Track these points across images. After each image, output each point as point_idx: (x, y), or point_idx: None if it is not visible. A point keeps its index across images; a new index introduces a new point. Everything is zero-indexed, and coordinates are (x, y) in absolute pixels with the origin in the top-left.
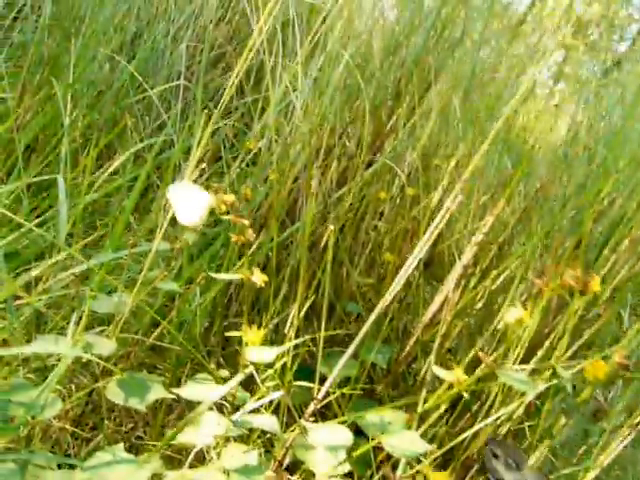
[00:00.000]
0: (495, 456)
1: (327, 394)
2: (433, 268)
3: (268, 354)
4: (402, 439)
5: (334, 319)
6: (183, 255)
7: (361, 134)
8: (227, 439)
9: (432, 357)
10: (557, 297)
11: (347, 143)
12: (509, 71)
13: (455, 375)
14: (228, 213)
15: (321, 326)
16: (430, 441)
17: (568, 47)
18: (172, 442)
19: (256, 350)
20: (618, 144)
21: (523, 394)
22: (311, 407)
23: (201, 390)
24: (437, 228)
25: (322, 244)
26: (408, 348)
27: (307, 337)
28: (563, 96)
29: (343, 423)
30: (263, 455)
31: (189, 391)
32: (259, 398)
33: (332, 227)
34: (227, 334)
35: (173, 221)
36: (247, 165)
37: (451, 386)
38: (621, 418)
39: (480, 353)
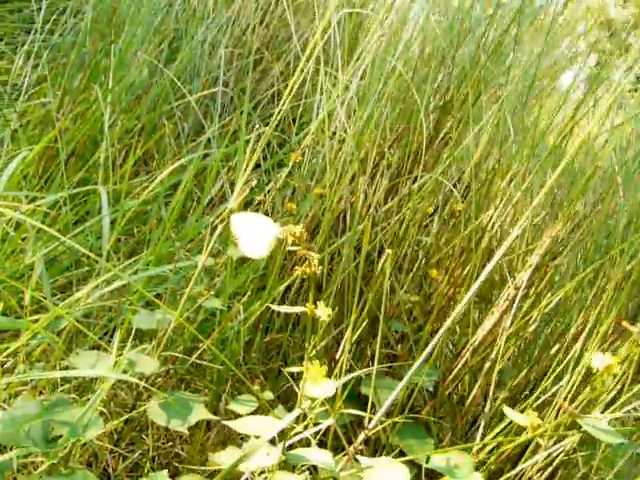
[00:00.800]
0: None
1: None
2: (481, 288)
3: (328, 388)
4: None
5: (377, 337)
6: (227, 270)
7: (410, 146)
8: (275, 467)
9: (487, 380)
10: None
11: (393, 156)
12: (544, 77)
13: (531, 420)
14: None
15: (367, 345)
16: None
17: (602, 51)
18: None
19: (316, 387)
20: None
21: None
22: (361, 436)
23: (256, 424)
24: (498, 259)
25: (371, 262)
26: (456, 371)
27: (361, 370)
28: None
29: (397, 456)
30: None
31: (243, 424)
32: (307, 425)
33: (389, 251)
34: (285, 370)
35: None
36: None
37: (520, 429)
38: None
39: (561, 400)
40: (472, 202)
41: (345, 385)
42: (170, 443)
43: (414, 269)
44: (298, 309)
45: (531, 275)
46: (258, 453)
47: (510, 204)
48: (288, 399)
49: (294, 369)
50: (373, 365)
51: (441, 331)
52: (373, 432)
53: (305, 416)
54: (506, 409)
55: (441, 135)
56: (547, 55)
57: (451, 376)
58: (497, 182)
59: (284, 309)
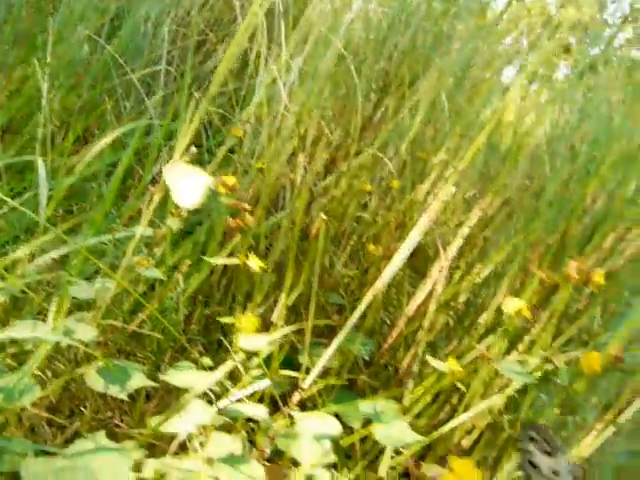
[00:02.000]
0: (531, 440)
1: (311, 384)
2: (416, 261)
3: (260, 341)
4: (392, 429)
5: (316, 309)
6: (166, 242)
7: (349, 124)
8: (211, 428)
9: (420, 349)
10: (540, 291)
11: (333, 134)
12: (485, 69)
13: (449, 365)
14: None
15: (305, 316)
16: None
17: (542, 49)
18: (155, 431)
19: (248, 337)
20: (604, 142)
21: (504, 387)
22: (296, 396)
23: (189, 377)
24: (428, 221)
25: (309, 233)
26: (391, 340)
27: (295, 327)
28: (540, 97)
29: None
30: (246, 445)
31: (177, 378)
32: (244, 387)
33: (324, 216)
34: (219, 319)
35: (156, 208)
36: (230, 152)
37: (440, 377)
38: (594, 413)
39: (478, 346)
40: (408, 179)
41: (281, 348)
42: (109, 414)
43: (352, 244)
44: (232, 260)
45: (463, 248)
46: (194, 410)
47: (442, 179)
48: (232, 373)
49: (226, 319)
50: (310, 334)
51: (369, 294)
52: (308, 395)
53: (241, 379)
54: (429, 358)
55: (379, 114)
56: (489, 48)
57: (386, 345)
58: (431, 159)
59: (219, 260)
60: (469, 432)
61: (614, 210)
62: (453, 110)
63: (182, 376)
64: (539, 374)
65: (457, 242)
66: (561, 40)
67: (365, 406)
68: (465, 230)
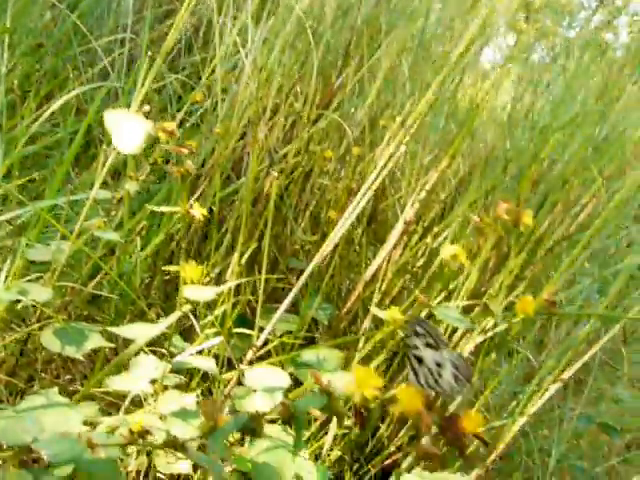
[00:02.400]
0: (416, 334)
1: (267, 344)
2: (376, 228)
3: (207, 292)
4: (337, 377)
5: (276, 274)
6: (124, 206)
7: (309, 91)
8: (165, 387)
9: (372, 306)
10: (495, 257)
11: (295, 101)
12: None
13: (391, 313)
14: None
15: (262, 277)
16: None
17: (519, 30)
18: (108, 389)
19: (195, 288)
20: (559, 110)
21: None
22: (249, 354)
23: (139, 329)
24: (380, 176)
25: (266, 199)
26: (349, 304)
27: (248, 282)
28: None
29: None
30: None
31: (126, 330)
32: (198, 345)
33: (275, 174)
34: (164, 268)
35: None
36: (195, 123)
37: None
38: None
39: (417, 293)
40: (367, 145)
41: (234, 307)
42: (69, 376)
43: (312, 210)
44: (175, 208)
45: (420, 212)
46: (145, 365)
47: (401, 144)
48: (188, 336)
49: (172, 268)
50: (269, 299)
51: (319, 254)
52: (263, 351)
53: (197, 340)
54: (373, 308)
55: (340, 82)
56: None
57: (345, 309)
58: (391, 124)
59: (163, 209)
60: None
61: (565, 175)
62: (417, 79)
63: (133, 328)
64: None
65: (413, 205)
66: (537, 22)
67: (308, 355)
68: (422, 194)
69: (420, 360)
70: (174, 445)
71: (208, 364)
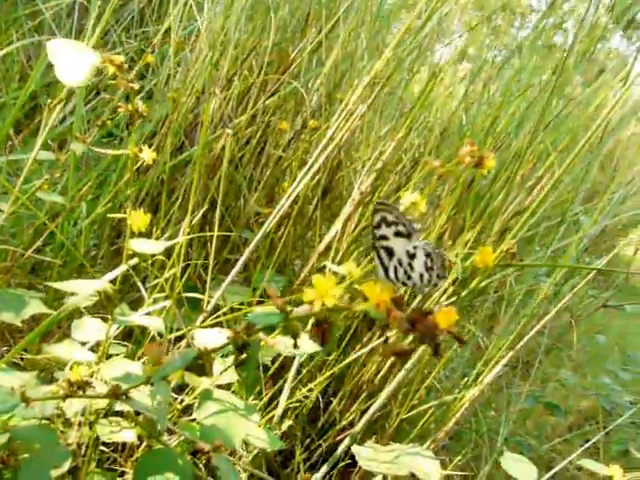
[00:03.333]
0: (386, 223)
1: (217, 310)
2: (330, 203)
3: (156, 246)
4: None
5: (229, 246)
6: (69, 169)
7: (265, 60)
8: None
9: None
10: (450, 230)
11: (251, 71)
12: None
13: (347, 267)
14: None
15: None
16: (320, 368)
17: (472, 29)
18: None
19: (141, 241)
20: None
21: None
22: (200, 319)
23: (81, 283)
24: (334, 139)
25: (219, 166)
26: (303, 276)
27: (199, 254)
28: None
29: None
30: None
31: (67, 285)
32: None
33: (230, 131)
34: (110, 215)
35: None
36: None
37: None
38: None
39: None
40: (324, 118)
41: (184, 271)
42: (5, 348)
43: (267, 182)
44: (123, 151)
45: (377, 183)
46: (88, 328)
47: (358, 116)
48: (137, 306)
49: (117, 215)
50: (220, 272)
51: (268, 223)
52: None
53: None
54: (327, 263)
55: (297, 53)
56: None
57: (298, 281)
58: (347, 96)
59: (109, 152)
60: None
61: (520, 149)
62: (374, 56)
63: (74, 283)
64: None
65: (371, 175)
66: (491, 22)
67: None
68: (379, 164)
69: (390, 252)
70: (116, 394)
71: (156, 323)
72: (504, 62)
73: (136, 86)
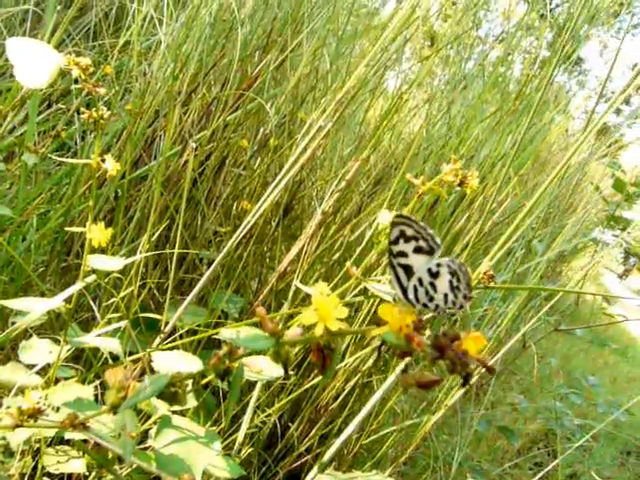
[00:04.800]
0: (404, 238)
1: (174, 332)
2: (290, 222)
3: (115, 262)
4: (257, 360)
5: (186, 265)
6: (19, 181)
7: (227, 76)
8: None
9: (288, 304)
10: None
11: (212, 87)
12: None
13: (319, 287)
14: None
15: (179, 278)
16: (279, 392)
17: (423, 58)
18: None
19: (101, 257)
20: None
21: (373, 349)
22: (157, 340)
23: (32, 302)
24: (299, 160)
25: (177, 182)
26: (262, 297)
27: (155, 272)
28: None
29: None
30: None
31: (18, 303)
32: (100, 329)
33: (194, 145)
34: (68, 229)
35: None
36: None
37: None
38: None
39: (349, 266)
40: (286, 137)
41: (141, 290)
42: None
43: (227, 201)
44: (85, 161)
45: (340, 204)
46: (39, 349)
47: (321, 133)
48: (86, 327)
49: (76, 229)
50: (176, 290)
51: (227, 245)
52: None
53: (99, 324)
54: (297, 283)
55: (260, 71)
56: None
57: (257, 302)
58: (314, 113)
59: (69, 161)
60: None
61: (483, 173)
62: (336, 74)
63: (22, 301)
64: None
65: (333, 195)
66: (440, 52)
67: (228, 333)
68: (342, 184)
69: (408, 270)
70: (73, 424)
71: (111, 344)
72: (458, 88)
73: (102, 91)
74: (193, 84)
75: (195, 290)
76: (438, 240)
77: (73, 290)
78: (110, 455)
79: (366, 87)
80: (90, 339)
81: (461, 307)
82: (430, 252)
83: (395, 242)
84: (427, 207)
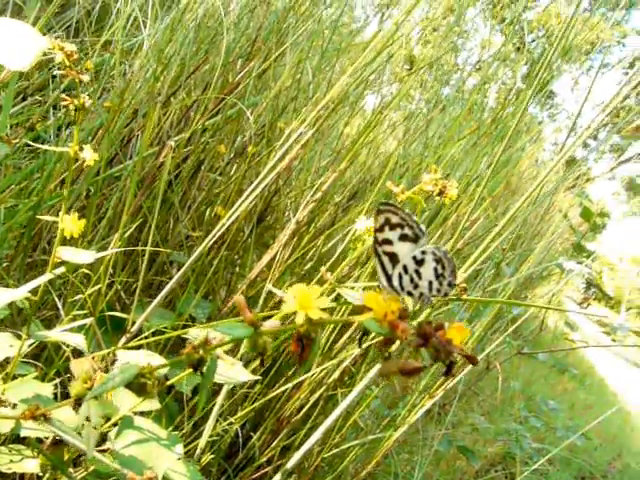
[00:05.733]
0: (389, 225)
1: (140, 334)
2: (263, 231)
3: (85, 256)
4: (226, 368)
5: (156, 267)
6: None
7: (209, 81)
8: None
9: (267, 286)
10: None
11: (193, 90)
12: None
13: (293, 292)
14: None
15: (147, 249)
16: (243, 400)
17: (401, 80)
18: None
19: (72, 249)
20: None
21: (340, 362)
22: (122, 340)
23: None
24: (274, 169)
25: (152, 181)
26: (231, 303)
27: (124, 272)
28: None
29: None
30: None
31: None
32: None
33: (172, 143)
34: (40, 217)
35: None
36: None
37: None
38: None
39: (323, 270)
40: (265, 145)
41: (109, 288)
42: None
43: (201, 205)
44: (63, 149)
45: (313, 215)
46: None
47: (299, 144)
48: (49, 325)
49: (49, 218)
50: (145, 292)
51: (199, 249)
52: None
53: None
54: (271, 287)
55: (243, 77)
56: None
57: (226, 308)
58: (290, 123)
59: (45, 147)
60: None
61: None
62: (317, 88)
63: None
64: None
65: (309, 205)
66: (419, 76)
67: (195, 332)
68: (318, 194)
69: (394, 258)
70: (34, 415)
71: (76, 339)
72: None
73: (86, 78)
74: (174, 87)
75: (164, 292)
76: (423, 228)
77: (41, 281)
78: (66, 456)
79: (347, 101)
80: (54, 333)
81: (445, 295)
82: (415, 240)
83: (380, 230)
84: None
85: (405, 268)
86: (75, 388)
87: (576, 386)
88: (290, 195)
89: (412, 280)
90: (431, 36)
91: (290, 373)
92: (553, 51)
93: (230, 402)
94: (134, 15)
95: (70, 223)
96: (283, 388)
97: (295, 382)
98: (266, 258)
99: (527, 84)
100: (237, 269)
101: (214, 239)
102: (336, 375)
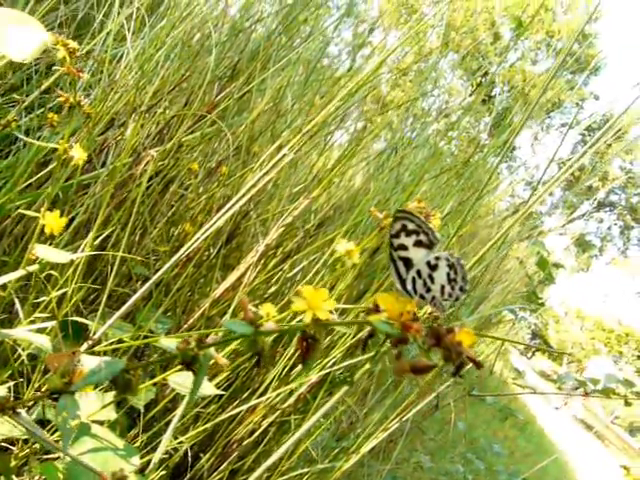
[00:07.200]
0: (405, 231)
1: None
2: (230, 252)
3: (62, 255)
4: (188, 379)
5: (119, 278)
6: None
7: (190, 98)
8: None
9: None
10: (348, 296)
11: (173, 105)
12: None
13: (265, 309)
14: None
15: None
16: (195, 420)
17: (369, 120)
18: None
19: (48, 248)
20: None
21: (297, 387)
22: (84, 346)
23: None
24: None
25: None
26: (192, 320)
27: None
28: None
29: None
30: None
31: None
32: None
33: (154, 153)
34: (20, 211)
35: None
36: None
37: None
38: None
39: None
40: (239, 167)
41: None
42: None
43: (170, 221)
44: (51, 145)
45: (283, 239)
46: None
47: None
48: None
49: (29, 212)
50: (107, 304)
51: (166, 266)
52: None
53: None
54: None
55: (223, 98)
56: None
57: (186, 325)
58: (267, 147)
59: (30, 140)
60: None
61: None
62: (297, 115)
63: None
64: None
65: (279, 229)
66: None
67: (165, 341)
68: (289, 219)
69: (408, 262)
70: (1, 407)
71: (40, 339)
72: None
73: (85, 76)
74: (153, 100)
75: (128, 304)
76: (438, 235)
77: (13, 277)
78: (12, 463)
79: (328, 128)
80: (18, 332)
81: (457, 299)
82: (429, 246)
83: (396, 235)
84: (369, 252)
85: (419, 272)
86: (52, 382)
87: (517, 434)
88: (260, 218)
89: (425, 284)
90: (401, 80)
91: (245, 396)
92: (518, 106)
93: (182, 421)
94: (117, 28)
95: (52, 220)
96: (237, 410)
97: (249, 405)
98: (232, 277)
99: (494, 135)
100: (200, 288)
101: (181, 256)
102: (291, 401)
